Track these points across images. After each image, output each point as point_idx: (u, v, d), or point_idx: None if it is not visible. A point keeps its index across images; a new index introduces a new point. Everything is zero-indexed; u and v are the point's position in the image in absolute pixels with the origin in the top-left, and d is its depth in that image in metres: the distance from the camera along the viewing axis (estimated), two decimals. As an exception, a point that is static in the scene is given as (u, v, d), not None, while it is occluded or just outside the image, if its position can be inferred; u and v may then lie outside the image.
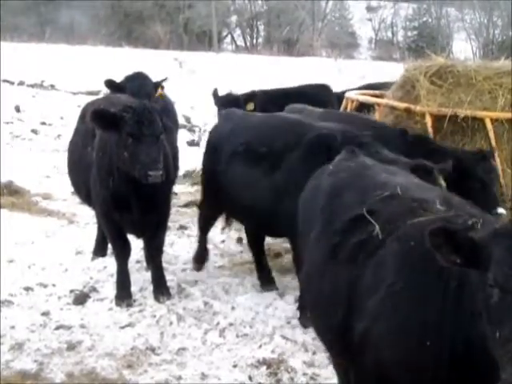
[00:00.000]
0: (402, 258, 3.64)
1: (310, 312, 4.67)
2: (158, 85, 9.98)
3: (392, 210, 3.91)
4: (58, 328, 6.56)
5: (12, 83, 20.77)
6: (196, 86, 22.05)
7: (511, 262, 3.04)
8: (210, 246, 8.96)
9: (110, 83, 9.55)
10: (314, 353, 6.15)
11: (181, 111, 14.98)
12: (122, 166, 6.67)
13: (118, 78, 9.87)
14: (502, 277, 3.02)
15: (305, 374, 5.83)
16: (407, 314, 3.48)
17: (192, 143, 16.01)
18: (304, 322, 6.62)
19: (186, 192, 11.83)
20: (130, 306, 7.08)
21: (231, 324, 6.67)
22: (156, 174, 6.44)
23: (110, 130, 6.65)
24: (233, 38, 50.91)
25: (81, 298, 7.19)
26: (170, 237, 8.59)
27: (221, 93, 11.71)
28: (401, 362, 3.52)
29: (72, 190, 9.21)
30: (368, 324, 3.68)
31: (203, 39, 44.48)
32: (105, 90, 10.64)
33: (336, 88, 13.20)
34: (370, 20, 55.60)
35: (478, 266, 3.13)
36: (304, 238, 4.73)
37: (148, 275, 7.58)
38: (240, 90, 11.65)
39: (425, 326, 3.39)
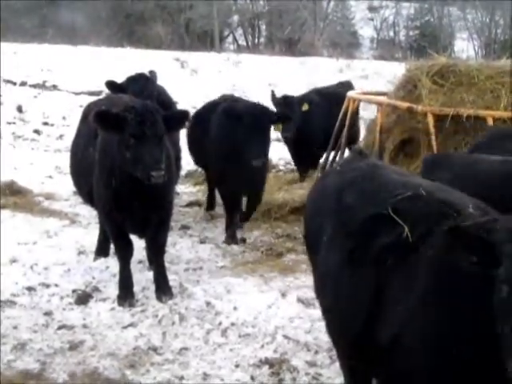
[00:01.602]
0: (436, 264, 3.53)
1: (324, 315, 4.58)
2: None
3: (420, 212, 3.77)
4: (60, 328, 6.56)
5: (14, 83, 20.74)
6: (198, 86, 22.03)
7: None
8: (211, 246, 8.98)
9: (111, 84, 9.57)
10: (316, 352, 6.15)
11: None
12: (124, 167, 6.67)
13: (120, 79, 9.88)
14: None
15: (307, 374, 5.82)
16: (439, 323, 3.41)
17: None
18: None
19: (188, 192, 11.84)
20: (132, 305, 7.08)
21: (233, 324, 6.67)
22: (158, 175, 6.43)
23: (113, 130, 6.65)
24: (234, 37, 50.88)
25: (83, 298, 7.20)
26: (172, 237, 8.59)
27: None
28: (429, 371, 3.46)
29: (74, 190, 9.22)
30: (399, 331, 3.58)
31: (205, 39, 44.48)
32: (107, 91, 10.63)
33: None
34: (372, 19, 55.50)
35: (491, 264, 3.14)
36: (313, 240, 4.64)
37: (150, 275, 7.58)
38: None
39: (457, 337, 3.34)
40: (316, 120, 11.42)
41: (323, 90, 12.50)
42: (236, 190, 9.18)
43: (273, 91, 11.79)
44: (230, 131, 8.67)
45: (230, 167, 8.84)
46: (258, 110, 8.73)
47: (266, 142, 8.65)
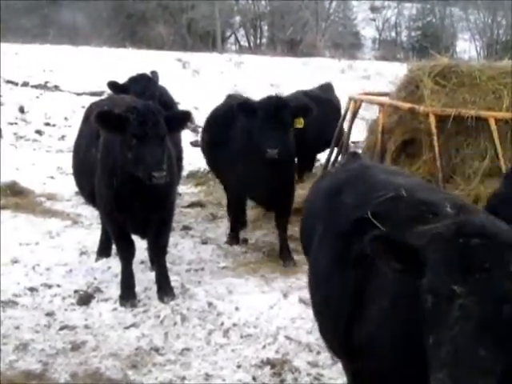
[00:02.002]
0: None
1: (316, 317, 4.61)
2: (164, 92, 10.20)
3: (399, 214, 3.76)
4: (62, 328, 6.57)
5: (16, 84, 20.75)
6: (200, 87, 22.03)
7: (445, 267, 2.98)
8: (213, 247, 8.98)
9: (112, 85, 9.57)
10: (318, 353, 6.15)
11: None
12: (125, 167, 6.67)
13: (122, 79, 9.88)
14: (435, 282, 2.97)
15: (309, 375, 5.82)
16: (399, 324, 3.40)
17: (196, 144, 16.00)
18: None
19: (189, 192, 11.84)
20: (134, 306, 7.09)
21: (235, 324, 6.67)
22: (160, 175, 6.44)
23: (115, 131, 6.66)
24: (236, 38, 50.89)
25: (85, 299, 7.20)
26: (174, 237, 8.60)
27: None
28: (393, 371, 3.46)
29: (76, 190, 9.23)
30: (369, 330, 3.63)
31: (207, 40, 44.47)
32: (109, 91, 10.63)
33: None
34: (374, 20, 55.50)
35: (417, 271, 3.08)
36: (306, 241, 4.70)
37: (152, 275, 7.59)
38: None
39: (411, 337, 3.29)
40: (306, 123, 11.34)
41: (309, 93, 12.36)
42: (255, 191, 8.75)
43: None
44: (248, 126, 8.40)
45: (248, 167, 8.45)
46: (273, 101, 8.35)
47: (283, 133, 8.12)
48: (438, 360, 2.85)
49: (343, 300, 3.89)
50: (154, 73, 10.10)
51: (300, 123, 8.33)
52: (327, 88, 12.33)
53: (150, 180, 6.45)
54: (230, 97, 10.40)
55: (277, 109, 8.13)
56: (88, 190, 7.64)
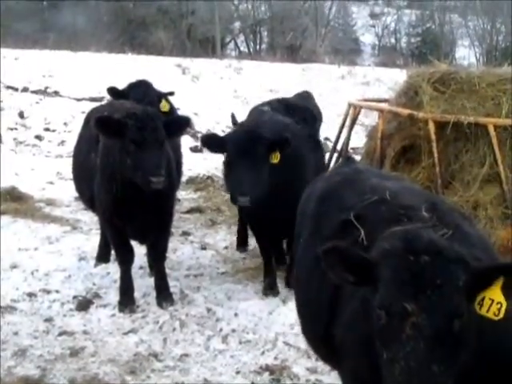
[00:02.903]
0: None
1: (299, 316, 4.65)
2: (162, 96, 10.04)
3: (378, 216, 3.80)
4: (61, 334, 6.57)
5: (16, 89, 20.76)
6: (199, 92, 22.06)
7: (396, 285, 3.00)
8: (212, 252, 8.98)
9: (112, 91, 9.58)
10: (317, 359, 6.11)
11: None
12: (124, 173, 6.68)
13: (122, 84, 9.90)
14: (387, 300, 3.00)
15: (308, 381, 5.83)
16: (368, 326, 3.36)
17: (195, 149, 16.03)
18: None
19: (189, 198, 11.84)
20: (132, 312, 7.09)
21: (234, 330, 6.67)
22: (158, 181, 6.44)
23: (114, 136, 6.66)
24: (236, 44, 50.91)
25: (84, 304, 7.20)
26: (173, 243, 8.60)
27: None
28: (366, 372, 3.47)
29: (75, 195, 9.23)
30: (343, 332, 3.66)
31: (206, 45, 44.48)
32: (108, 97, 10.65)
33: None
34: (374, 26, 55.59)
35: (371, 284, 3.12)
36: (297, 244, 4.73)
37: (151, 281, 7.59)
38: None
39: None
40: None
41: (283, 101, 12.15)
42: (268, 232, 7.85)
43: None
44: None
45: None
46: (243, 134, 7.18)
47: (256, 175, 6.89)
48: (392, 375, 2.89)
49: (322, 302, 3.93)
50: (171, 93, 10.10)
51: (276, 158, 7.09)
52: (306, 96, 12.10)
53: (148, 185, 6.45)
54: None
55: (248, 144, 6.95)
56: (87, 195, 7.65)
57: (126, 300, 7.20)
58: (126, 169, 6.64)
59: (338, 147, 11.07)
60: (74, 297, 7.38)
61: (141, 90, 9.58)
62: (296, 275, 4.57)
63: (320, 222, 4.31)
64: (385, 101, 10.44)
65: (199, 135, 17.93)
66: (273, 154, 7.05)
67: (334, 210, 4.20)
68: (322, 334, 3.94)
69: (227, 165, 7.09)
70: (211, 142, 7.32)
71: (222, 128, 16.84)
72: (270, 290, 7.65)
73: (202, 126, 18.51)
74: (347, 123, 10.80)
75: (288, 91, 14.17)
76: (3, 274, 7.84)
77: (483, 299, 3.09)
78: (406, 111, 8.93)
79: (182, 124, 7.20)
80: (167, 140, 6.87)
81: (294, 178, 7.25)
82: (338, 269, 3.20)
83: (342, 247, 3.23)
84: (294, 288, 4.74)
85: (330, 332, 3.80)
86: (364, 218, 3.86)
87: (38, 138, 17.24)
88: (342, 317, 3.68)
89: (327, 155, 11.31)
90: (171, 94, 10.33)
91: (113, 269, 7.93)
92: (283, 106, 9.64)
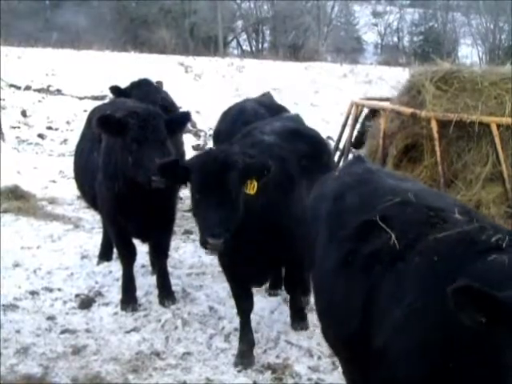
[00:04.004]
0: (424, 275, 3.48)
1: (320, 318, 4.60)
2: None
3: (407, 218, 3.78)
4: (63, 332, 6.57)
5: (18, 88, 20.81)
6: (202, 91, 22.07)
7: None
8: (215, 251, 8.96)
9: (115, 89, 9.57)
10: (319, 358, 6.14)
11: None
12: (126, 171, 6.67)
13: (124, 83, 9.88)
14: None
15: (310, 380, 5.81)
16: (427, 334, 3.34)
17: (197, 148, 16.04)
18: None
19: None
20: (135, 310, 7.09)
21: (236, 329, 6.65)
22: (159, 179, 6.42)
23: (115, 135, 6.66)
24: (238, 42, 50.92)
25: (86, 303, 7.20)
26: (175, 241, 8.60)
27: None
28: (416, 381, 3.41)
29: (78, 194, 9.23)
30: (387, 339, 3.57)
31: (209, 44, 44.47)
32: (111, 95, 10.64)
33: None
34: (376, 25, 55.53)
35: (504, 326, 2.89)
36: (312, 243, 4.65)
37: (153, 280, 7.59)
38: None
39: (442, 348, 3.24)
40: None
41: (261, 101, 11.96)
42: None
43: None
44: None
45: None
46: (210, 161, 5.53)
47: (227, 211, 5.43)
48: None
49: (352, 303, 3.87)
50: (158, 82, 10.10)
51: (252, 188, 5.56)
52: (268, 97, 11.81)
53: (150, 184, 6.43)
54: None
55: (216, 174, 5.41)
56: (90, 193, 7.64)
57: (128, 298, 7.20)
58: (127, 167, 6.64)
59: (341, 146, 11.07)
60: (77, 295, 7.38)
61: (143, 89, 9.57)
62: (316, 275, 4.52)
63: (337, 222, 4.27)
64: (387, 100, 10.43)
65: (201, 134, 18.00)
66: (249, 181, 5.55)
67: (352, 211, 4.19)
68: (352, 336, 3.87)
69: (192, 198, 5.61)
70: (171, 174, 5.73)
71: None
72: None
73: (203, 124, 18.54)
74: (349, 122, 10.80)
75: (290, 90, 14.15)
76: (5, 272, 7.84)
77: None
78: (408, 110, 8.94)
79: (182, 120, 7.19)
80: (169, 138, 6.86)
81: (280, 205, 5.98)
82: (469, 310, 2.94)
83: (476, 287, 2.94)
84: (315, 289, 4.65)
85: (366, 335, 3.74)
86: (390, 219, 3.83)
87: (41, 136, 17.26)
88: (386, 322, 3.60)
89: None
90: (159, 82, 10.26)
91: (115, 267, 7.93)
92: (263, 107, 9.21)
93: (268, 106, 9.36)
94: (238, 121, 8.42)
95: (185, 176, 5.54)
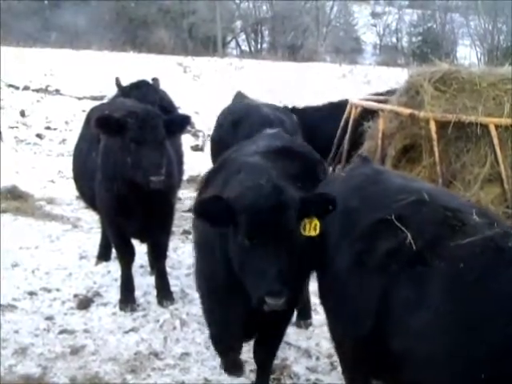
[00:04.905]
0: (451, 281, 3.46)
1: (329, 316, 4.59)
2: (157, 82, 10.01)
3: (423, 218, 3.76)
4: (61, 332, 6.56)
5: (17, 88, 20.80)
6: (200, 91, 22.08)
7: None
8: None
9: (119, 83, 9.51)
10: (317, 358, 6.14)
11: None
12: (124, 172, 6.66)
13: (123, 83, 9.86)
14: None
15: (308, 380, 5.82)
16: (455, 339, 3.33)
17: (196, 148, 16.06)
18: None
19: (190, 197, 11.82)
20: (133, 310, 7.09)
21: (235, 329, 6.66)
22: (157, 180, 6.40)
23: (114, 135, 6.65)
24: (237, 43, 50.88)
25: (84, 303, 7.20)
26: (173, 242, 8.60)
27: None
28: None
29: (76, 194, 9.22)
30: (410, 342, 3.54)
31: (208, 44, 44.44)
32: (109, 95, 10.63)
33: (342, 94, 13.19)
34: (375, 26, 55.51)
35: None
36: (320, 245, 4.59)
37: (152, 280, 7.59)
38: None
39: (474, 355, 3.23)
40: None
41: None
42: None
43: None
44: None
45: None
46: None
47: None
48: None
49: (366, 302, 3.86)
50: (154, 80, 10.07)
51: (314, 229, 4.41)
52: (240, 97, 11.65)
53: (148, 185, 6.42)
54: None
55: (274, 213, 4.26)
56: (89, 194, 7.64)
57: (127, 299, 7.20)
58: (126, 168, 6.63)
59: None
60: (75, 295, 7.38)
61: (142, 91, 9.55)
62: (326, 274, 4.49)
63: (348, 222, 4.26)
64: (385, 99, 10.42)
65: (200, 134, 17.99)
66: (306, 222, 4.45)
67: (364, 210, 4.18)
68: (366, 336, 3.86)
69: (237, 246, 4.35)
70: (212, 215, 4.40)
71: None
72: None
73: (202, 124, 18.53)
74: (347, 122, 10.79)
75: (289, 90, 14.15)
76: (4, 272, 7.83)
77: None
78: (407, 111, 8.94)
79: (182, 123, 7.18)
80: (168, 139, 6.86)
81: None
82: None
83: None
84: (324, 287, 4.61)
85: (381, 336, 3.71)
86: (405, 218, 3.81)
87: (39, 136, 17.26)
88: (406, 326, 3.57)
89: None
90: (155, 79, 10.21)
91: (113, 267, 7.93)
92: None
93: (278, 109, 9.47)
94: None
95: (228, 217, 4.28)
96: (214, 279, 4.70)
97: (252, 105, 9.39)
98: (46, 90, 21.39)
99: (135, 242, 7.49)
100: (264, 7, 49.77)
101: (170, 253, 8.11)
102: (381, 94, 11.56)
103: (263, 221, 4.14)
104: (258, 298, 4.10)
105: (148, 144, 6.50)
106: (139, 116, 6.61)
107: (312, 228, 4.36)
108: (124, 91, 9.31)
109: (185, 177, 11.11)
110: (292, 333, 6.61)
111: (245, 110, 9.11)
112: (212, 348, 6.31)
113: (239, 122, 8.70)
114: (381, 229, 3.93)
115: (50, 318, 6.86)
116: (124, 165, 6.62)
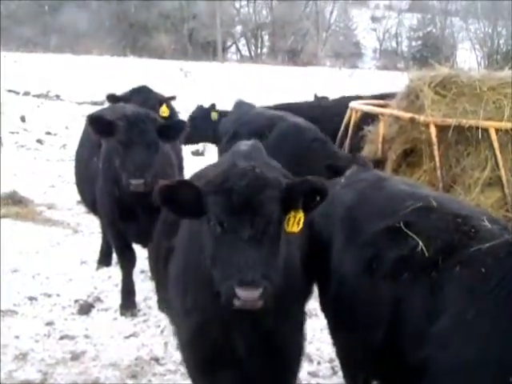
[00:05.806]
0: (473, 286, 3.38)
1: (335, 321, 4.55)
2: (163, 101, 10.01)
3: (433, 225, 3.71)
4: (62, 338, 6.55)
5: (17, 93, 20.84)
6: (201, 96, 22.06)
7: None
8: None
9: (112, 98, 9.52)
10: (318, 363, 6.13)
11: (185, 121, 15.00)
12: (116, 174, 6.64)
13: (124, 88, 9.90)
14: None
15: (309, 385, 5.81)
16: (483, 347, 3.24)
17: (196, 153, 16.05)
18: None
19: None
20: (134, 315, 7.08)
21: (235, 334, 6.65)
22: (137, 183, 6.30)
23: (105, 135, 6.65)
24: (237, 47, 51.02)
25: (85, 308, 7.19)
26: (174, 246, 8.57)
27: (227, 102, 11.66)
28: None
29: (77, 199, 9.22)
30: (431, 350, 3.43)
31: (208, 49, 44.56)
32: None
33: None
34: (375, 30, 55.68)
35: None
36: (322, 249, 4.53)
37: (152, 285, 7.56)
38: (245, 99, 11.57)
39: (502, 362, 3.14)
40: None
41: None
42: None
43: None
44: None
45: None
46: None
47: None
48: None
49: (377, 309, 3.80)
50: (171, 98, 10.12)
51: (297, 224, 3.74)
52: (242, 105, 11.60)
53: (128, 187, 6.37)
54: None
55: (250, 194, 3.60)
56: (90, 198, 7.64)
57: (128, 304, 7.19)
58: (115, 170, 6.61)
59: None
60: (76, 300, 7.37)
61: (142, 96, 9.57)
62: (331, 282, 4.38)
63: (354, 228, 4.22)
64: (385, 103, 10.42)
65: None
66: (291, 215, 3.76)
67: (369, 216, 4.14)
68: (378, 344, 3.78)
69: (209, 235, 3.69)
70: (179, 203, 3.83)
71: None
72: None
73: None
74: (347, 125, 10.78)
75: (289, 94, 14.16)
76: (4, 277, 7.82)
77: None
78: (407, 115, 8.92)
79: (178, 129, 7.13)
80: (168, 143, 6.85)
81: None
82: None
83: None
84: (328, 292, 4.50)
85: (395, 345, 3.65)
86: (414, 225, 3.77)
87: (39, 141, 17.25)
88: (425, 334, 3.47)
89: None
90: (173, 98, 10.31)
91: (114, 272, 7.92)
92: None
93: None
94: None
95: (198, 204, 3.66)
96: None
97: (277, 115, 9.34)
98: (46, 96, 21.42)
99: (136, 247, 7.48)
100: (264, 12, 49.96)
101: (171, 258, 8.09)
102: (375, 98, 11.56)
103: (236, 200, 3.49)
104: (227, 291, 3.37)
105: (134, 147, 6.45)
106: (129, 119, 6.59)
107: (296, 222, 3.72)
108: (124, 98, 9.32)
109: (185, 182, 11.11)
110: (293, 337, 6.60)
111: (269, 120, 9.09)
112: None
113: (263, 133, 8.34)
114: (390, 236, 3.88)
115: (50, 324, 6.84)
116: (114, 167, 6.62)
